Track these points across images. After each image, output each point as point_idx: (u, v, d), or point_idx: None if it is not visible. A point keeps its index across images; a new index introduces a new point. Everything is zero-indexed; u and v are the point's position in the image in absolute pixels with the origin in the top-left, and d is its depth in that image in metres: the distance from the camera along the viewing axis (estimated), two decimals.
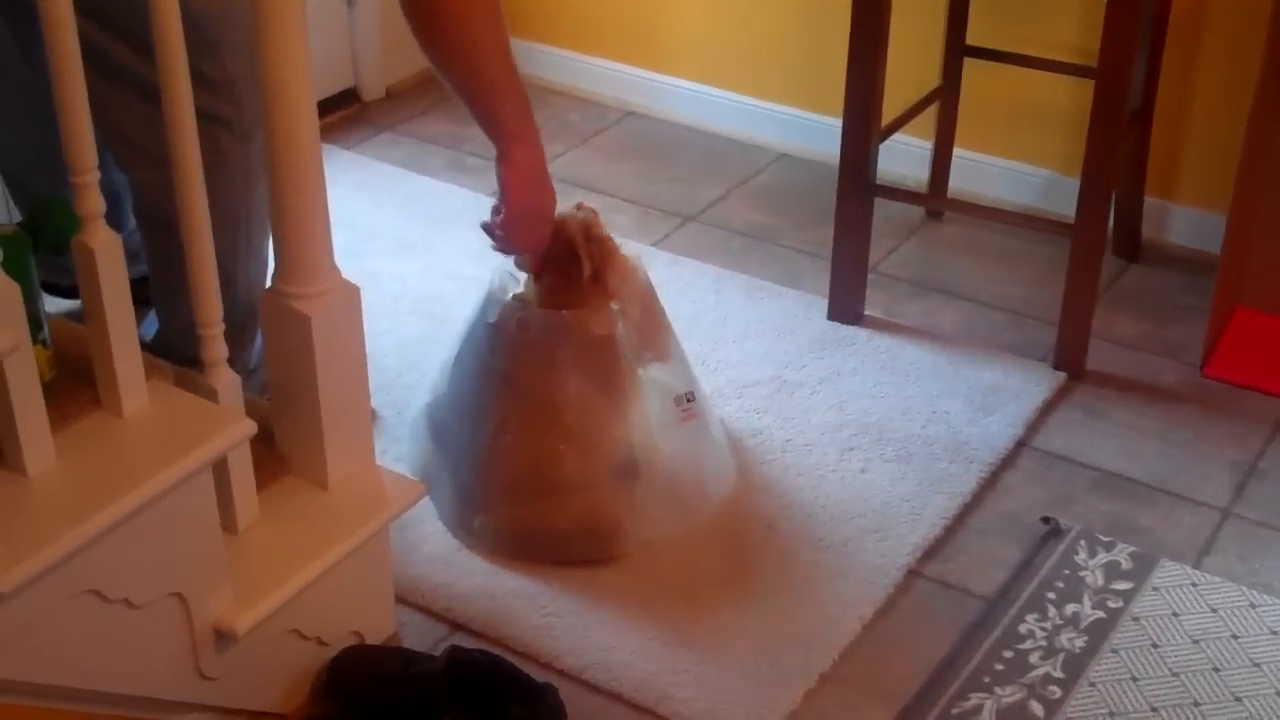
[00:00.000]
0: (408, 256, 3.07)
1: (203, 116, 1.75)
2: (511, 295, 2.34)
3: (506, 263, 2.36)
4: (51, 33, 1.62)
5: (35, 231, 1.75)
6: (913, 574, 2.31)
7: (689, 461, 2.39)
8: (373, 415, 2.21)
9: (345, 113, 3.64)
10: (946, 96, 3.14)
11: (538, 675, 2.04)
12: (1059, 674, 2.12)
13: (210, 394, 1.84)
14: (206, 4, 2.07)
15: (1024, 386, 2.71)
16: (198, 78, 1.72)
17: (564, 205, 2.33)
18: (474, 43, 2.13)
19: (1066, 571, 2.30)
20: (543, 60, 3.76)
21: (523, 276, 2.34)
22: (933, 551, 2.35)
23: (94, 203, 1.69)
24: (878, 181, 2.82)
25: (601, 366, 2.31)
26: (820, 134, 3.33)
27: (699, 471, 2.41)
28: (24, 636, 1.62)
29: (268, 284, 1.96)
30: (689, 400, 2.40)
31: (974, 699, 2.09)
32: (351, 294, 1.96)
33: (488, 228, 2.29)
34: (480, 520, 2.34)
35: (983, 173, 3.28)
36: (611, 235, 2.36)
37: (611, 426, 2.31)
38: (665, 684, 2.10)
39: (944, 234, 3.22)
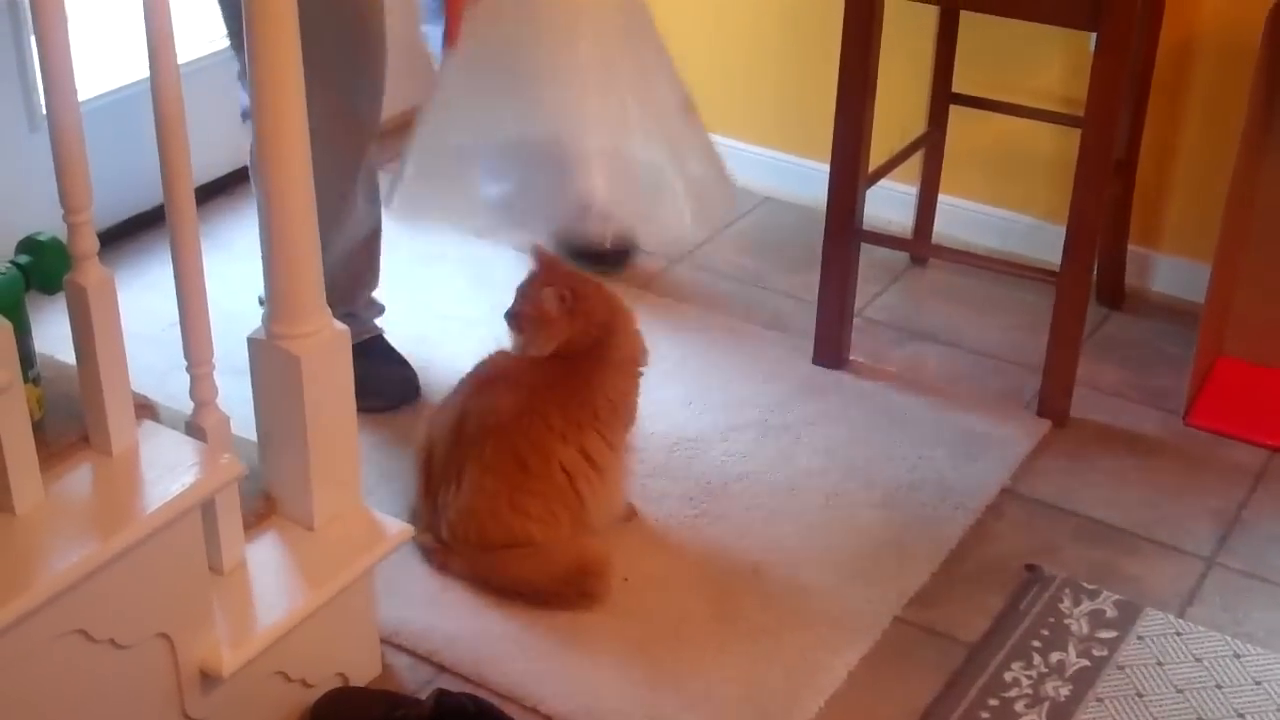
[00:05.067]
0: (393, 296, 3.06)
1: None
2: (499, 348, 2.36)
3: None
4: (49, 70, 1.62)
5: (28, 269, 1.75)
6: (898, 621, 2.31)
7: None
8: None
9: None
10: (932, 143, 3.16)
11: None
12: None
13: (199, 434, 1.84)
14: None
15: (1009, 433, 2.72)
16: None
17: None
18: None
19: (1051, 619, 2.31)
20: None
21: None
22: (918, 598, 2.35)
23: (88, 241, 1.69)
24: (863, 226, 2.83)
25: (589, 415, 2.32)
26: (806, 178, 3.34)
27: None
28: (9, 676, 1.61)
29: None
30: None
31: None
32: (341, 335, 1.97)
33: None
34: (460, 564, 2.33)
35: (967, 219, 3.29)
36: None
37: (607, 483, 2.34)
38: None
39: (928, 280, 3.23)
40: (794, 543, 2.45)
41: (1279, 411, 2.81)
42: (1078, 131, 2.61)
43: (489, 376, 2.35)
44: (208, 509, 1.83)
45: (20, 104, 2.96)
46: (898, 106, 3.09)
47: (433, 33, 2.81)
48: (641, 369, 2.39)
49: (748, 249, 3.32)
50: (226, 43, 3.26)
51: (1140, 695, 2.17)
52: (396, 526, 2.09)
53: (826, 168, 2.78)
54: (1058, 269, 2.69)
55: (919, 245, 3.24)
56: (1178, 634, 2.28)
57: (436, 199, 2.35)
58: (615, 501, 2.39)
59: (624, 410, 2.37)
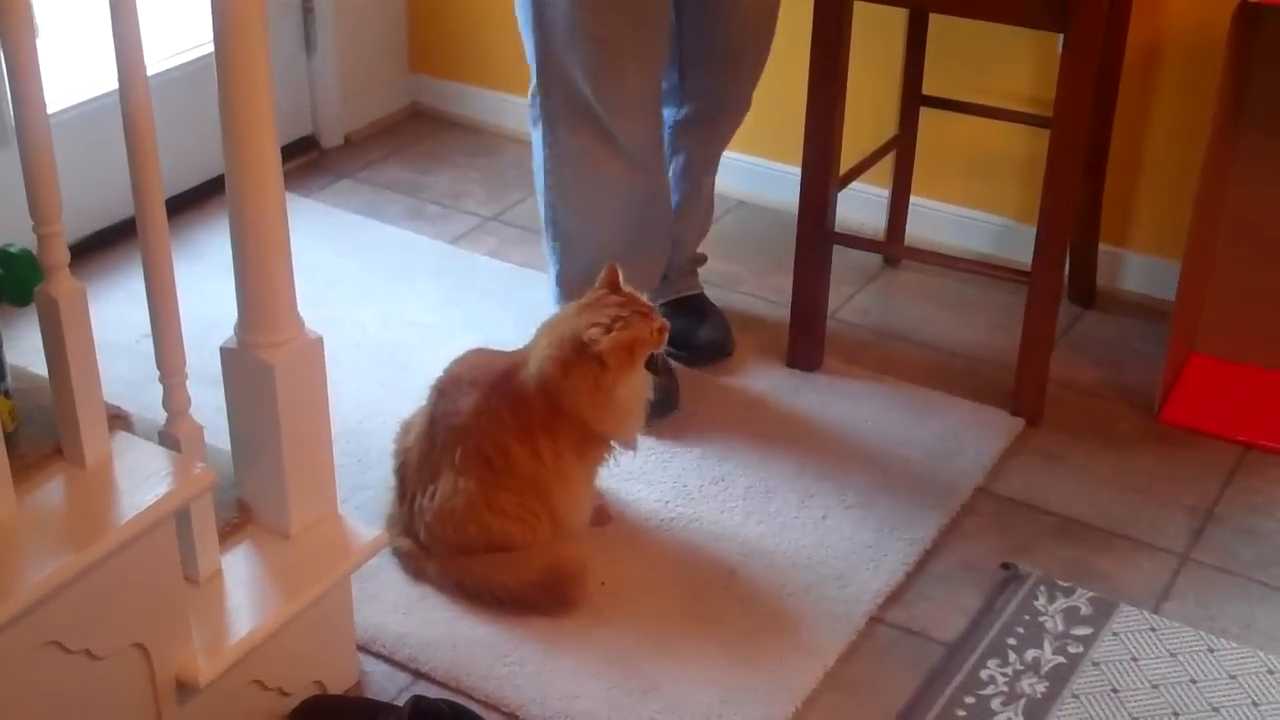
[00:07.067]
0: (367, 304, 3.07)
1: None
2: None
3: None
4: (18, 82, 1.62)
5: None
6: (875, 620, 2.32)
7: None
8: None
9: (304, 160, 3.63)
10: (903, 145, 3.17)
11: None
12: None
13: (173, 444, 1.84)
14: None
15: (983, 433, 2.73)
16: None
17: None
18: None
19: (1027, 617, 2.32)
20: (506, 109, 3.77)
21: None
22: (894, 598, 2.36)
23: (59, 253, 1.69)
24: (836, 229, 2.84)
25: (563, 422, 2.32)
26: (778, 182, 3.35)
27: None
28: None
29: None
30: None
31: None
32: (314, 343, 1.97)
33: None
34: (436, 569, 2.33)
35: (939, 221, 3.31)
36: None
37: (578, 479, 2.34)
38: None
39: (901, 281, 3.25)
40: (770, 544, 2.45)
41: (1251, 407, 2.82)
42: (1047, 132, 2.63)
43: (455, 377, 2.36)
44: (182, 519, 1.83)
45: None
46: (868, 109, 3.11)
47: None
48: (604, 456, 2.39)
49: (721, 253, 3.32)
50: (195, 53, 3.28)
51: (1116, 691, 2.19)
52: (372, 534, 2.10)
53: (798, 171, 2.79)
54: (1029, 269, 2.70)
55: (891, 247, 3.25)
56: (1152, 630, 2.29)
57: None
58: (579, 506, 2.39)
59: (570, 441, 2.33)
